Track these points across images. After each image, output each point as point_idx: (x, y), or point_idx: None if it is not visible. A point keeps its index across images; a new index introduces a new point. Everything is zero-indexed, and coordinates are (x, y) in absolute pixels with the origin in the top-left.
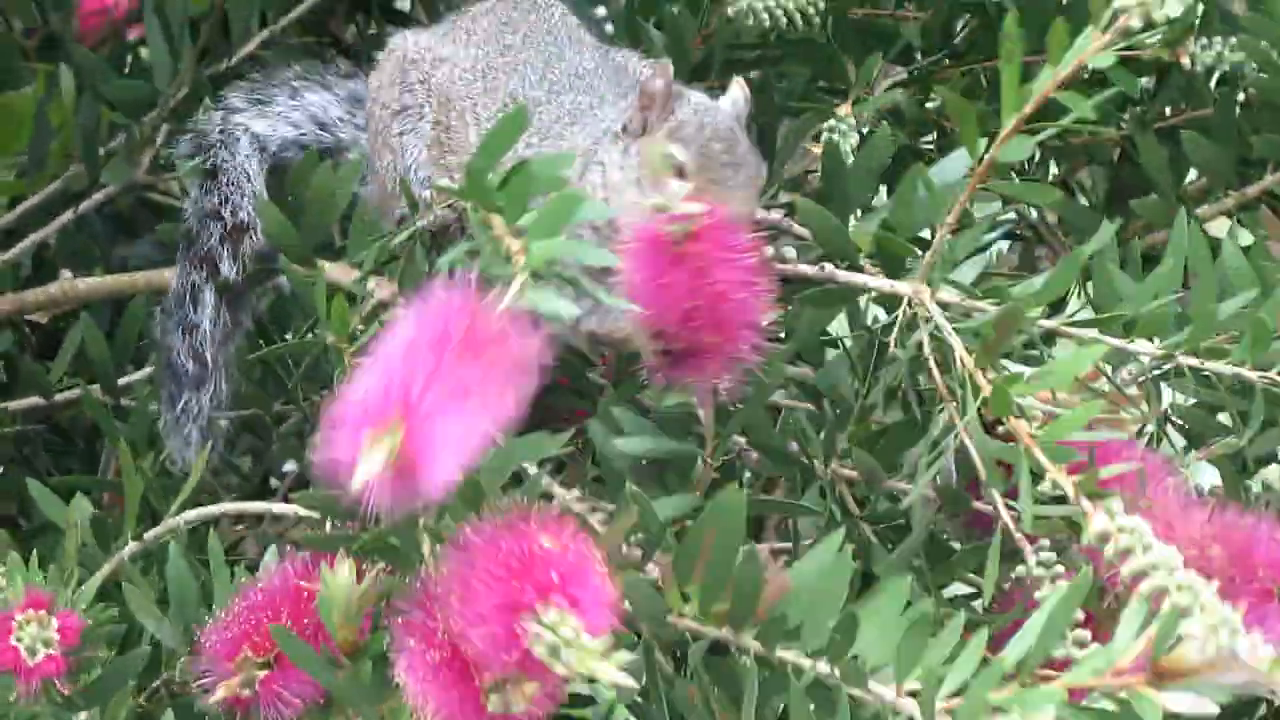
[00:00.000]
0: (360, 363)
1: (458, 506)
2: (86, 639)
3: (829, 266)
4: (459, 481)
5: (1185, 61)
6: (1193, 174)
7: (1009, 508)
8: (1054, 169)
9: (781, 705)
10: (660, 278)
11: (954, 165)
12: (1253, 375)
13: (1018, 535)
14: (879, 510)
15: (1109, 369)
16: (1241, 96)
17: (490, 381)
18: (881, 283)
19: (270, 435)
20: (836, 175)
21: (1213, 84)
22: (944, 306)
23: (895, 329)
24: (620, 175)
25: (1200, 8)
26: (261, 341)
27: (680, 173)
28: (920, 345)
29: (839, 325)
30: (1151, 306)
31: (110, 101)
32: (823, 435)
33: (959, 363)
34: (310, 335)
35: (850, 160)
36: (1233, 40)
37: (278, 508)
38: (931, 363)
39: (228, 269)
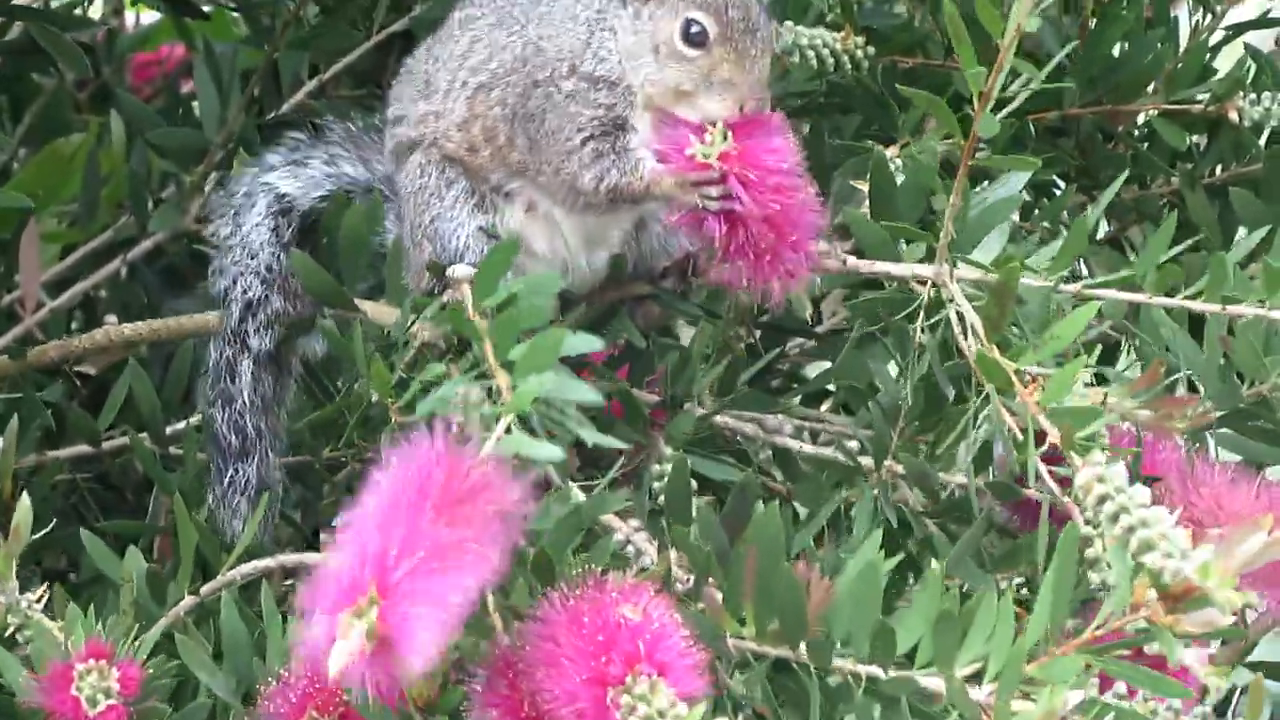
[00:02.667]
0: (340, 533)
1: (531, 578)
2: (146, 690)
3: (850, 259)
4: (529, 552)
5: (1234, 117)
6: (1242, 231)
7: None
8: (1104, 226)
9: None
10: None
11: (1010, 185)
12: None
13: (1065, 503)
14: (939, 504)
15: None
16: None
17: (470, 540)
18: (903, 269)
19: (321, 485)
20: (886, 191)
21: (1262, 140)
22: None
23: (920, 315)
24: (634, 40)
25: (1250, 63)
26: (313, 386)
27: (701, 42)
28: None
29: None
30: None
31: (160, 150)
32: (872, 434)
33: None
34: (357, 385)
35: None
36: None
37: None
38: (962, 342)
39: (257, 343)
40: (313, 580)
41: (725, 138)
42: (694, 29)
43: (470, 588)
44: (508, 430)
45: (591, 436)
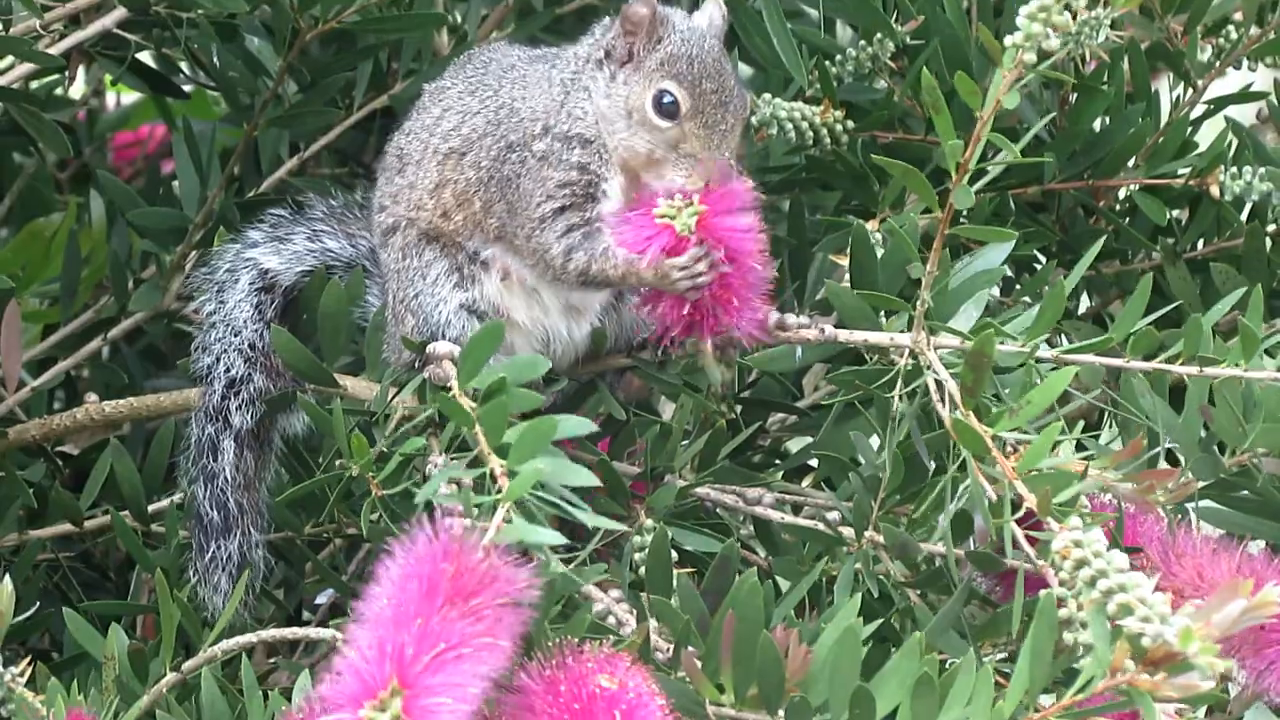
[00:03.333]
0: (352, 627)
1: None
2: None
3: (828, 329)
4: None
5: (1215, 191)
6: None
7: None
8: (1086, 301)
9: None
10: (666, 247)
11: (992, 256)
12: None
13: (1041, 570)
14: (920, 575)
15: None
16: (1272, 228)
17: (483, 630)
18: (881, 337)
19: (303, 562)
20: (866, 264)
21: (1244, 215)
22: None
23: (898, 383)
24: (608, 104)
25: (1231, 137)
26: (294, 462)
27: (673, 113)
28: (925, 397)
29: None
30: (1142, 325)
31: (141, 230)
32: (853, 505)
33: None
34: (339, 461)
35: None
36: (1262, 170)
37: (315, 632)
38: (941, 410)
39: (239, 421)
40: (328, 677)
41: (693, 209)
42: (666, 99)
43: (487, 675)
44: (506, 517)
45: (589, 519)
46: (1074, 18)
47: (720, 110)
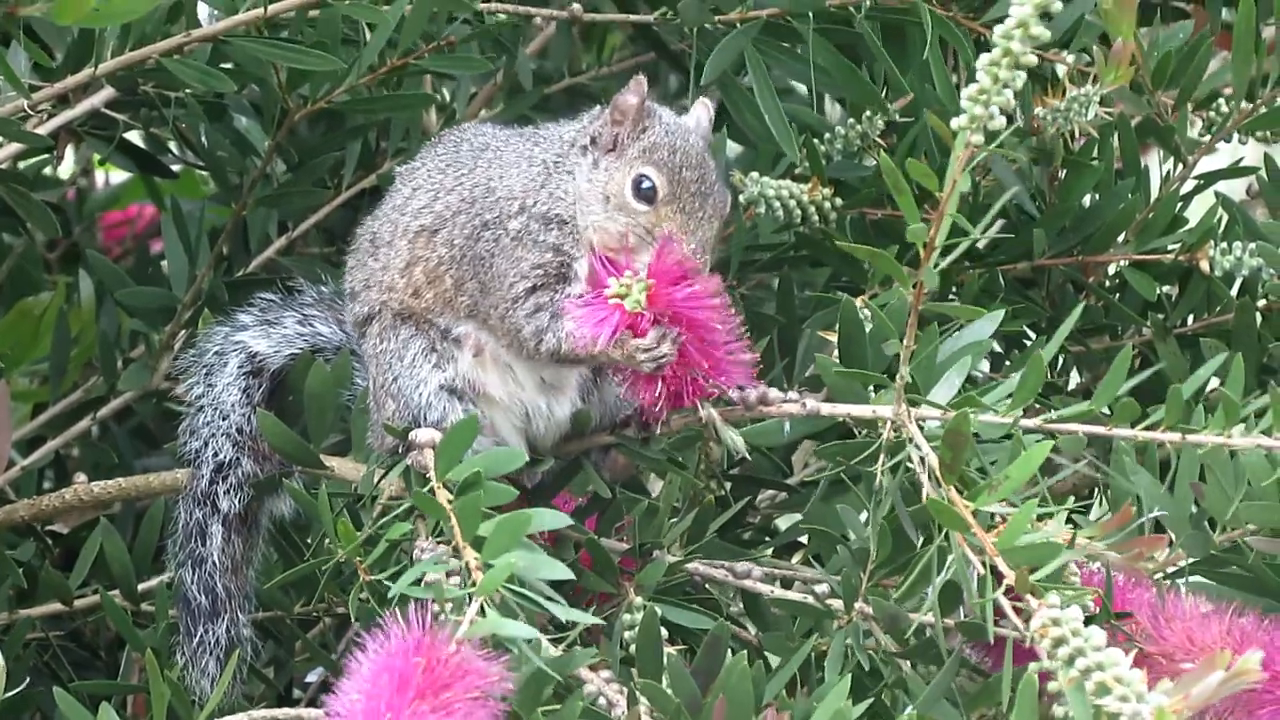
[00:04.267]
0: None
1: None
2: None
3: (810, 402)
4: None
5: (1205, 267)
6: (1214, 381)
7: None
8: (1076, 377)
9: None
10: (622, 326)
11: (980, 329)
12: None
13: (1029, 643)
14: (910, 646)
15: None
16: (1262, 302)
17: None
18: (863, 409)
19: (293, 641)
20: (855, 340)
21: (1234, 290)
22: (921, 425)
23: (880, 456)
24: (588, 188)
25: (1221, 213)
26: (283, 543)
27: (650, 198)
28: (907, 470)
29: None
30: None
31: (130, 309)
32: (841, 578)
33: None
34: (327, 542)
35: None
36: (1252, 245)
37: (307, 713)
38: (925, 483)
39: (227, 505)
40: None
41: (641, 286)
42: (644, 184)
43: None
44: (480, 611)
45: (564, 613)
46: (1063, 94)
47: (698, 200)
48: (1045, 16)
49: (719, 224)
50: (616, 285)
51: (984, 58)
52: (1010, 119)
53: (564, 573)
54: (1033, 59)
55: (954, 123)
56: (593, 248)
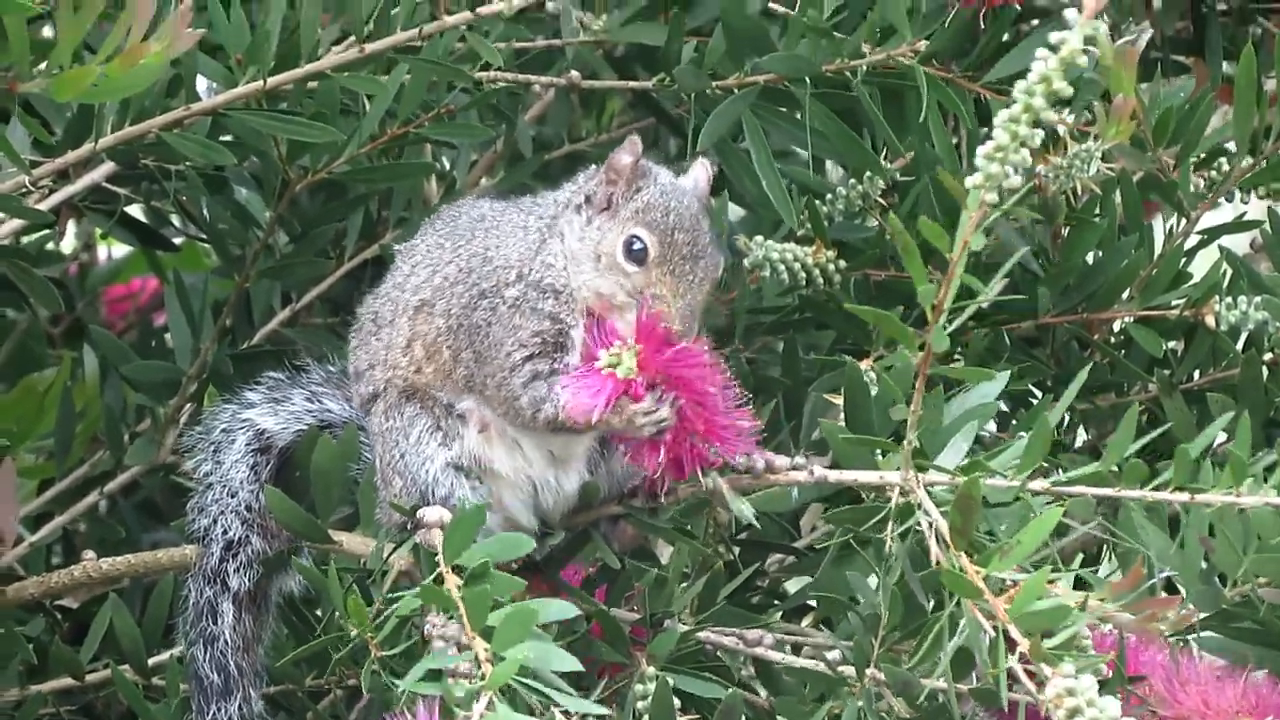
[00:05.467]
0: None
1: None
2: None
3: (818, 469)
4: None
5: (1211, 321)
6: (1222, 436)
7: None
8: (1082, 434)
9: None
10: (616, 395)
11: (986, 391)
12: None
13: (1043, 712)
14: (923, 712)
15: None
16: (1268, 356)
17: None
18: (871, 476)
19: (304, 713)
20: (860, 404)
21: (1239, 344)
22: (930, 491)
23: (889, 522)
24: (580, 246)
25: (1225, 267)
26: (293, 618)
27: (641, 259)
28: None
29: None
30: (1131, 452)
31: (134, 384)
32: (853, 644)
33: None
34: (337, 616)
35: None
36: (1257, 299)
37: None
38: (934, 548)
39: (238, 583)
40: None
41: (631, 353)
42: (635, 245)
43: None
44: (489, 705)
45: (574, 705)
46: (1065, 151)
47: (689, 263)
48: (1070, 70)
49: (710, 287)
50: (606, 356)
51: (1002, 114)
52: (1027, 178)
53: (574, 664)
54: (1053, 116)
55: (968, 181)
56: (586, 314)
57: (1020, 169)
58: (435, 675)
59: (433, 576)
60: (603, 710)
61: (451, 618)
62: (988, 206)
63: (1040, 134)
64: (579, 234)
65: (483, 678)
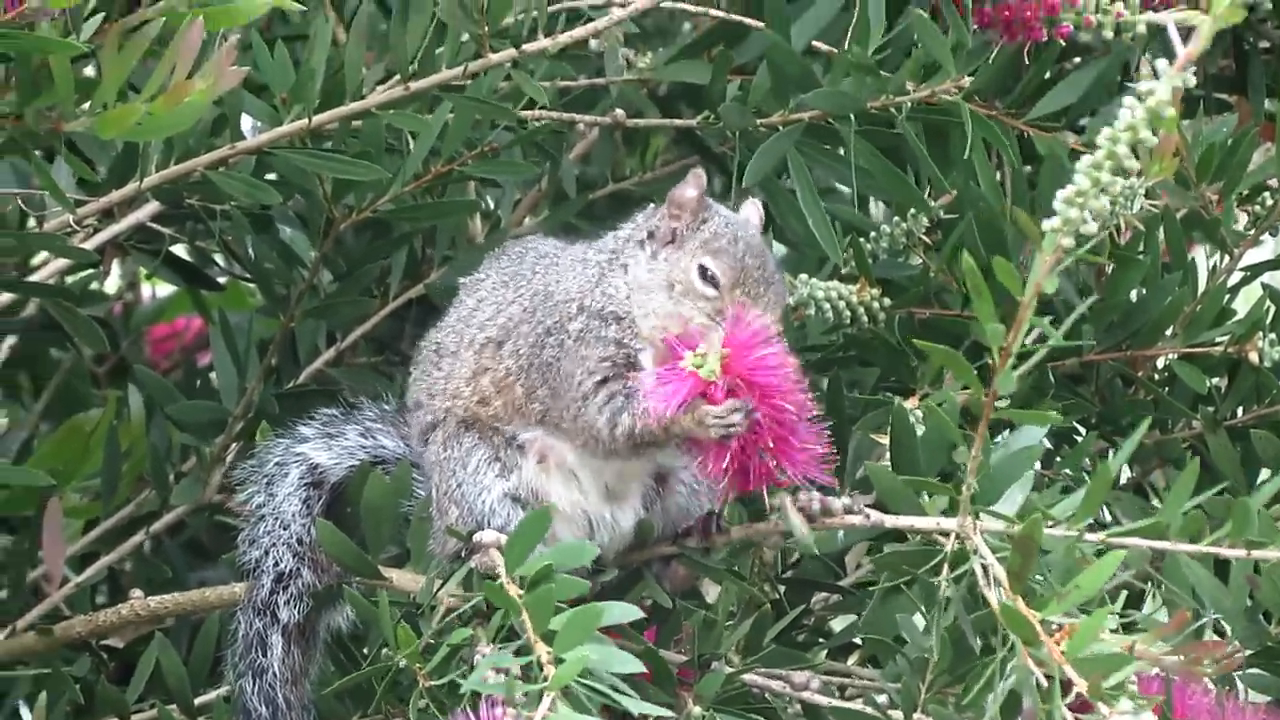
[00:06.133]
0: None
1: None
2: None
3: (874, 514)
4: None
5: (1254, 358)
6: (1265, 473)
7: None
8: (1127, 471)
9: None
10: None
11: (1032, 433)
12: None
13: None
14: None
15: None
16: None
17: None
18: (927, 522)
19: None
20: (906, 444)
21: None
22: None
23: (944, 568)
24: (649, 277)
25: (1268, 304)
26: (340, 655)
27: (715, 284)
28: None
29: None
30: (1189, 506)
31: (180, 423)
32: (901, 687)
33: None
34: (385, 651)
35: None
36: None
37: None
38: (988, 593)
39: (287, 615)
40: None
41: (717, 353)
42: (709, 272)
43: None
44: (553, 705)
45: (635, 706)
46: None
47: (762, 285)
48: (1156, 120)
49: (781, 311)
50: (691, 356)
51: (1085, 160)
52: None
53: (636, 666)
54: (1136, 164)
55: (1045, 224)
56: (660, 331)
57: (1098, 215)
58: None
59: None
60: (666, 713)
61: (502, 647)
62: (1063, 251)
63: (1121, 181)
64: (646, 267)
65: (544, 679)
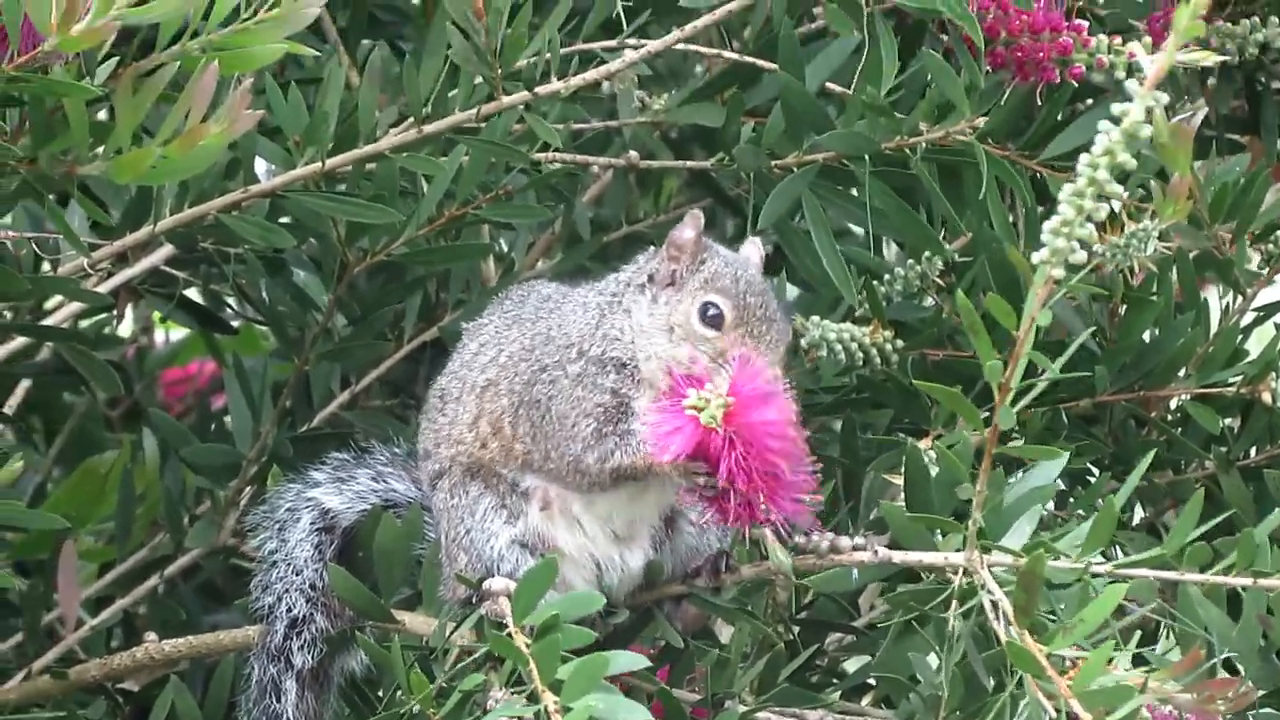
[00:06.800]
0: None
1: None
2: None
3: (882, 550)
4: None
5: (1267, 398)
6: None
7: None
8: (1139, 512)
9: None
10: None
11: (1045, 472)
12: None
13: None
14: None
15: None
16: None
17: None
18: (935, 557)
19: None
20: (920, 484)
21: None
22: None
23: (952, 603)
24: (650, 320)
25: None
26: (354, 698)
27: (716, 324)
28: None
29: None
30: (1195, 536)
31: (194, 466)
32: None
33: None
34: (399, 694)
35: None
36: None
37: None
38: (997, 628)
39: (301, 660)
40: None
41: (721, 402)
42: (711, 311)
43: None
44: None
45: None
46: (1121, 230)
47: (765, 324)
48: (1133, 141)
49: (784, 351)
50: (696, 396)
51: (1067, 188)
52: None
53: (644, 715)
54: (1118, 189)
55: (1034, 257)
56: (663, 374)
57: (1085, 243)
58: None
59: (503, 633)
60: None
61: (515, 691)
62: (1054, 282)
63: (1105, 207)
64: (647, 310)
65: None
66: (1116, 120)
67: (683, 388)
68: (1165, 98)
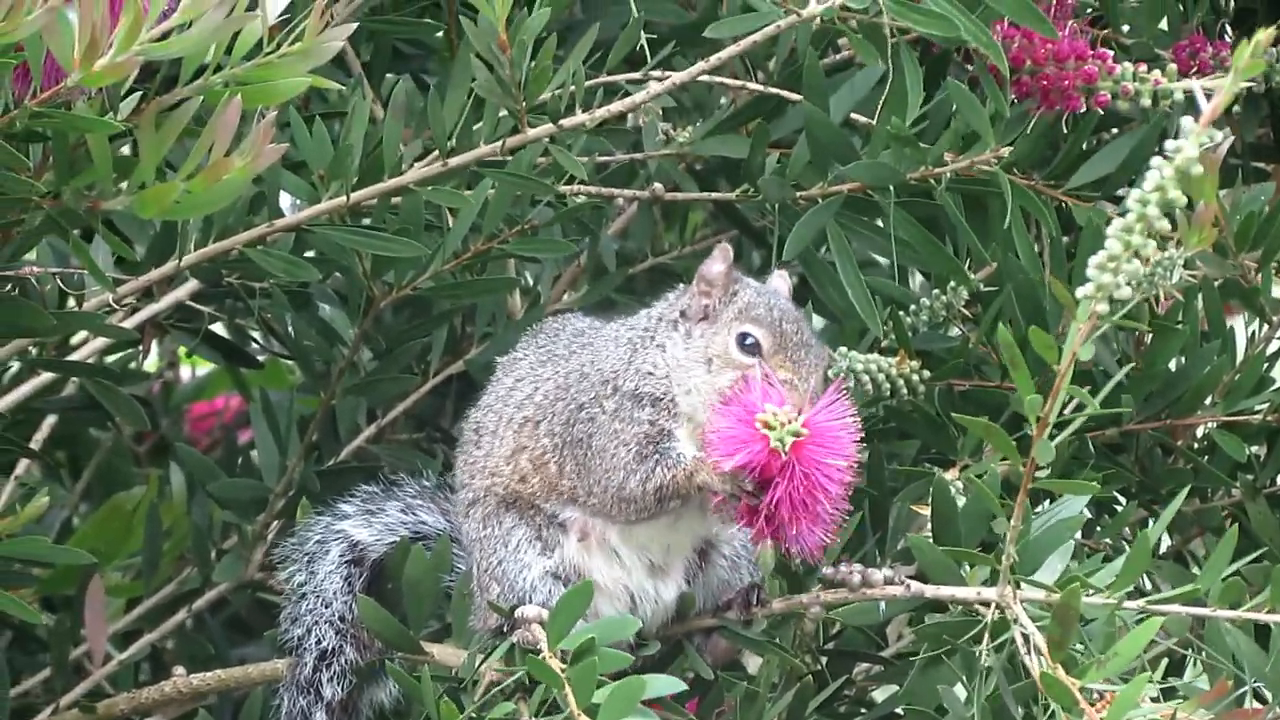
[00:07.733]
0: None
1: None
2: None
3: (914, 584)
4: None
5: None
6: None
7: None
8: (1167, 540)
9: None
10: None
11: (1073, 504)
12: None
13: None
14: None
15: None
16: None
17: None
18: (968, 592)
19: None
20: (947, 516)
21: None
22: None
23: (985, 637)
24: (686, 354)
25: None
26: None
27: (755, 351)
28: (1011, 648)
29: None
30: (1228, 573)
31: (221, 501)
32: None
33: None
34: None
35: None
36: None
37: None
38: (1028, 662)
39: (330, 692)
40: None
41: (793, 429)
42: (748, 340)
43: None
44: None
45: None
46: (1146, 261)
47: (803, 350)
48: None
49: (822, 374)
50: (772, 413)
51: (1116, 223)
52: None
53: None
54: (1167, 226)
55: (1079, 291)
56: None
57: (1132, 279)
58: None
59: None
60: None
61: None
62: (1098, 317)
63: (1154, 244)
64: (683, 345)
65: None
66: (1168, 156)
67: (752, 398)
68: (1219, 135)
